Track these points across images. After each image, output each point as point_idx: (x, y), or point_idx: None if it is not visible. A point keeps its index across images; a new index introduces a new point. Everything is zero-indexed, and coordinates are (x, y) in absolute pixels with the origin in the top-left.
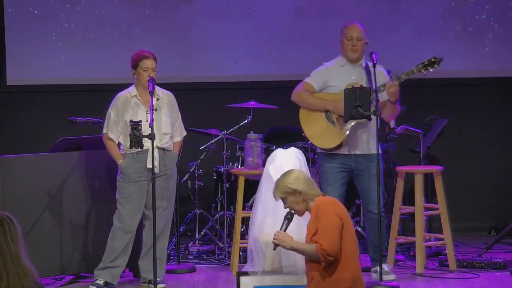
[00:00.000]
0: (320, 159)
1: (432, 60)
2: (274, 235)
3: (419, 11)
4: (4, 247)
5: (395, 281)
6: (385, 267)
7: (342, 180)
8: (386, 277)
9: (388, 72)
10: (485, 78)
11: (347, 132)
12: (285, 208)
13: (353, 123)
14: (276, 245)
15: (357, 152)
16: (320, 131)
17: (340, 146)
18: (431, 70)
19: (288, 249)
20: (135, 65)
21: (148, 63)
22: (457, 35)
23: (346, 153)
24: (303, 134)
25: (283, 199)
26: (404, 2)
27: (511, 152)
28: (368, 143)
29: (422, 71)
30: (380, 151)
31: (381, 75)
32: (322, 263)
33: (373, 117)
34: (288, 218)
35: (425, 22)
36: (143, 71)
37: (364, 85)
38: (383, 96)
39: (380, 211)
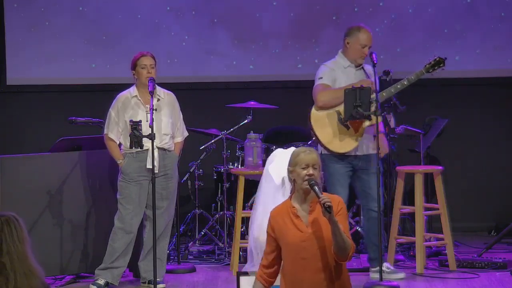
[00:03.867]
0: (326, 160)
1: (437, 59)
2: (326, 199)
3: (418, 10)
4: (11, 247)
5: (395, 281)
6: (390, 266)
7: (349, 180)
8: (395, 276)
9: (388, 73)
10: (485, 78)
11: (362, 136)
12: (308, 175)
13: (367, 125)
14: (331, 209)
15: (364, 152)
16: (335, 135)
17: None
18: (437, 70)
19: (333, 220)
20: (134, 65)
21: (146, 61)
22: (457, 34)
23: (355, 154)
24: (314, 138)
25: (315, 167)
26: (403, 1)
27: (511, 152)
28: (372, 143)
29: (430, 71)
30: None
31: (372, 75)
32: (343, 261)
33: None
34: (316, 183)
35: (425, 22)
36: (142, 68)
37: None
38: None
39: (380, 209)
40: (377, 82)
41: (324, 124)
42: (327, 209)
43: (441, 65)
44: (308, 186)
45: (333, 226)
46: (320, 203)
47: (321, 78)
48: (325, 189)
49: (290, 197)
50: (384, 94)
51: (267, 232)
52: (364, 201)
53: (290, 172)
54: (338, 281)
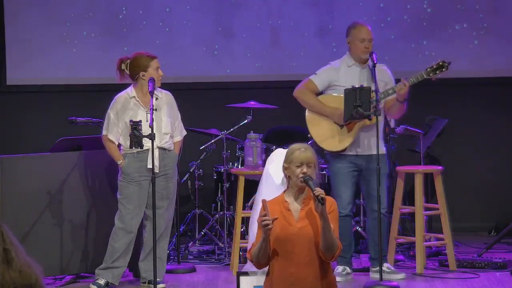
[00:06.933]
0: (330, 158)
1: (440, 64)
2: (320, 191)
3: (418, 9)
4: (13, 240)
5: (395, 281)
6: (390, 267)
7: (353, 179)
8: (395, 276)
9: None
10: (485, 78)
11: (355, 135)
12: (303, 173)
13: (361, 126)
14: (324, 201)
15: (366, 152)
16: (327, 134)
17: (346, 148)
18: (438, 75)
19: (324, 215)
20: (145, 66)
21: (158, 63)
22: (457, 34)
23: (355, 153)
24: (309, 135)
25: (310, 165)
26: (401, 1)
27: (511, 152)
28: (376, 144)
29: (431, 75)
30: (385, 152)
31: (386, 74)
32: (328, 260)
33: (379, 118)
34: (311, 179)
35: (424, 21)
36: (155, 71)
37: (371, 86)
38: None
39: (385, 210)
40: (376, 81)
41: (317, 122)
42: (320, 201)
43: (444, 69)
44: (302, 184)
45: (323, 221)
46: (313, 196)
47: (316, 74)
48: (330, 189)
49: (284, 192)
50: (381, 96)
51: (258, 221)
52: (368, 201)
53: (285, 168)
54: (325, 279)
